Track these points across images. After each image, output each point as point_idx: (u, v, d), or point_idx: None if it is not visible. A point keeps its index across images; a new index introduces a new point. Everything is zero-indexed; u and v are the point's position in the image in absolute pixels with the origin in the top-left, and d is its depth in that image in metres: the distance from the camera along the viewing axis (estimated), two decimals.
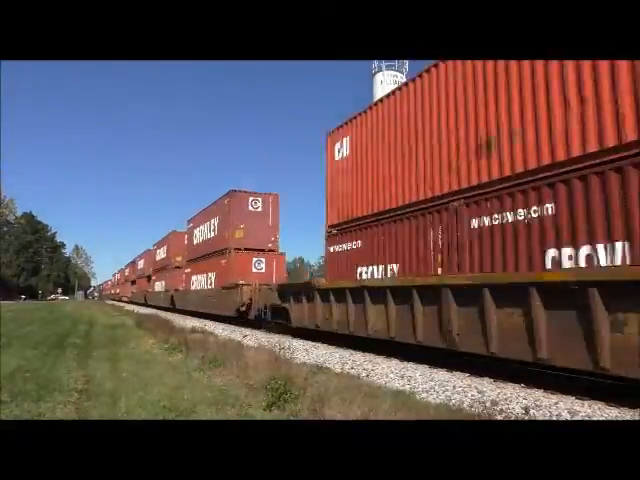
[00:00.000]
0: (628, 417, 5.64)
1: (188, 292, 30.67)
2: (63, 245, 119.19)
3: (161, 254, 42.17)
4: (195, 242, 30.56)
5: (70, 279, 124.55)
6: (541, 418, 5.66)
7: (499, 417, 5.49)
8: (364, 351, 11.59)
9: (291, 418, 5.28)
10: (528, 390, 7.09)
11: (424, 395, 7.00)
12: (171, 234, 38.45)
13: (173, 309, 34.78)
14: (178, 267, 35.01)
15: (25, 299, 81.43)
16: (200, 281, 28.03)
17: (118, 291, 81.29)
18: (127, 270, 71.56)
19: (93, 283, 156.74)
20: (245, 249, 22.64)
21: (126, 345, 12.58)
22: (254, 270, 22.37)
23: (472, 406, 6.14)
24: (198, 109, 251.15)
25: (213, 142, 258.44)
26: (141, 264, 55.68)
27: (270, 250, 23.09)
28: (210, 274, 25.71)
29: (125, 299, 67.85)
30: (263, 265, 22.74)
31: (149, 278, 47.89)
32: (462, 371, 8.60)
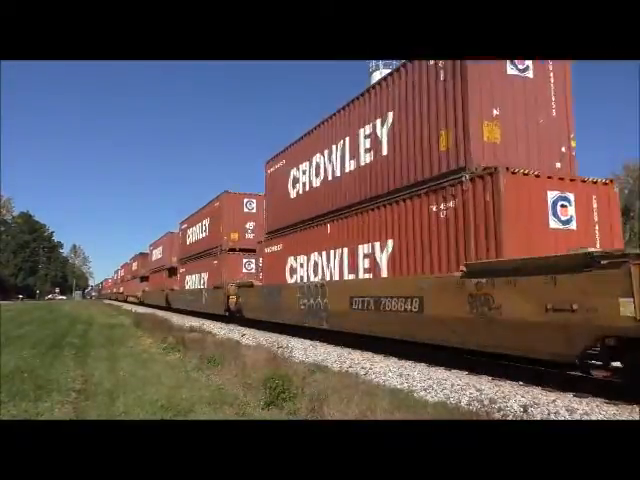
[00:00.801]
0: (626, 414, 5.66)
1: (286, 289, 15.56)
2: (61, 245, 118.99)
3: (196, 234, 28.70)
4: (298, 192, 15.73)
5: (68, 279, 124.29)
6: (539, 416, 5.67)
7: (497, 415, 5.50)
8: (362, 350, 11.59)
9: (289, 417, 5.29)
10: (526, 388, 7.10)
11: (422, 393, 7.01)
12: (219, 200, 24.25)
13: (231, 319, 21.21)
14: (235, 250, 23.07)
15: (23, 299, 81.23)
16: (330, 266, 12.99)
17: (122, 290, 68.96)
18: (135, 264, 57.48)
19: (91, 283, 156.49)
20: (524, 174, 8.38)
21: (124, 345, 12.58)
22: (554, 224, 8.44)
23: (470, 404, 6.16)
24: (197, 110, 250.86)
25: (212, 143, 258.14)
26: (157, 254, 41.89)
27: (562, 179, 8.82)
28: (379, 245, 10.89)
29: (133, 299, 54.48)
30: (572, 212, 8.61)
31: (172, 271, 35.16)
32: (460, 369, 8.61)
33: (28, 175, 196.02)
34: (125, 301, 61.18)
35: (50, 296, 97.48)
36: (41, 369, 8.32)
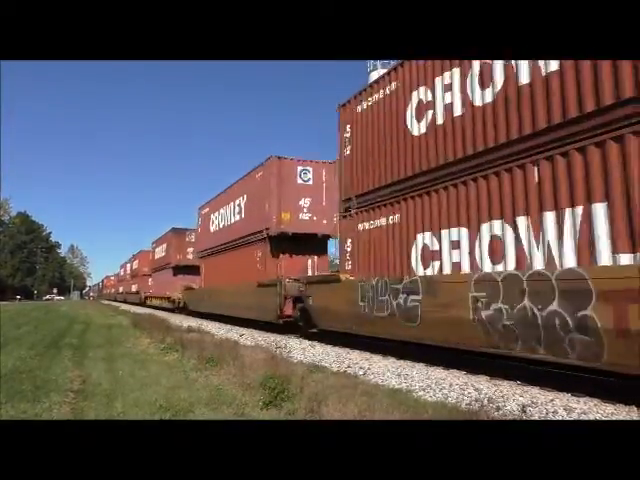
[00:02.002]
0: (623, 414, 5.68)
1: None
2: (58, 245, 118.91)
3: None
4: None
5: (65, 279, 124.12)
6: (537, 415, 5.69)
7: (496, 414, 5.51)
8: (361, 350, 11.60)
9: (288, 417, 5.29)
10: (525, 387, 7.12)
11: (421, 393, 7.02)
12: None
13: None
14: None
15: (20, 299, 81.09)
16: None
17: (135, 288, 51.40)
18: (162, 248, 37.99)
19: (89, 283, 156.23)
20: None
21: (122, 345, 12.56)
22: None
23: (469, 404, 6.16)
24: (195, 109, 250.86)
25: (209, 143, 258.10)
26: (226, 217, 22.67)
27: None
28: None
29: (159, 302, 37.59)
30: None
31: (285, 245, 17.28)
32: (459, 369, 8.62)
33: (26, 176, 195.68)
34: (142, 304, 44.18)
35: (48, 296, 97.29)
36: (39, 369, 8.30)
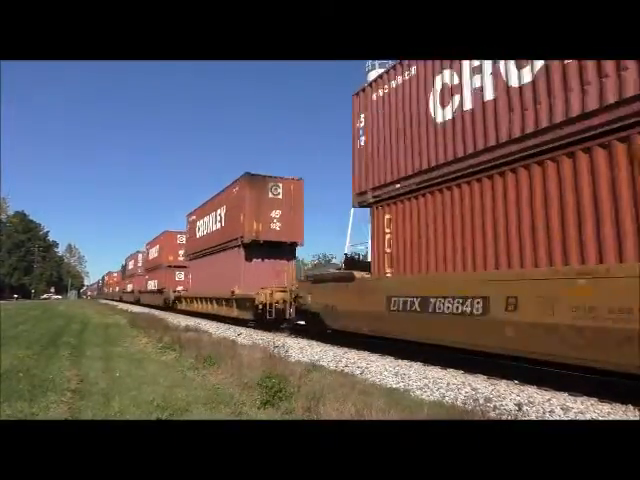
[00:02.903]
0: (620, 413, 5.70)
1: None
2: (56, 244, 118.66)
3: None
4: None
5: (63, 278, 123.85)
6: (534, 414, 5.70)
7: (493, 414, 5.53)
8: (358, 349, 11.61)
9: (285, 416, 5.29)
10: (522, 387, 7.14)
11: (418, 392, 7.03)
12: None
13: None
14: None
15: (18, 298, 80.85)
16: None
17: (153, 286, 37.69)
18: (208, 219, 24.16)
19: (86, 282, 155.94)
20: None
21: (120, 344, 12.55)
22: None
23: (466, 403, 6.18)
24: (195, 107, 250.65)
25: (208, 141, 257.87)
26: None
27: None
28: None
29: (211, 308, 22.78)
30: None
31: None
32: (456, 368, 8.64)
33: (23, 174, 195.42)
34: (171, 308, 30.87)
35: (45, 296, 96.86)
36: (36, 368, 8.27)
